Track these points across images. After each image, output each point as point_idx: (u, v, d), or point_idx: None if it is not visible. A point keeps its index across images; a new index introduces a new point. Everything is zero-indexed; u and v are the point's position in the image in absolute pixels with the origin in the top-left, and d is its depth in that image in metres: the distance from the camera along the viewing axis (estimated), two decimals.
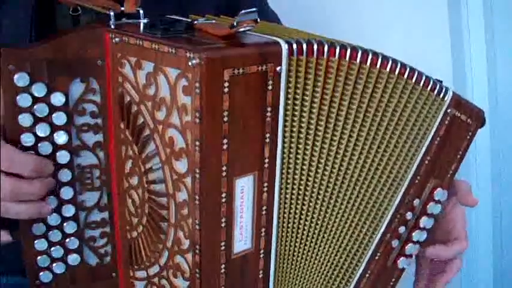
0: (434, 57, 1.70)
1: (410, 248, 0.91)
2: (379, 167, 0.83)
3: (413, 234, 0.90)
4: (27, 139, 0.75)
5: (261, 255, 0.80)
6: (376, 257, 0.90)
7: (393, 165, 0.84)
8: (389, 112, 0.80)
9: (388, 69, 0.78)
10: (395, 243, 0.89)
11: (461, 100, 0.86)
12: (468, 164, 1.78)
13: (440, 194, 0.89)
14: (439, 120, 0.84)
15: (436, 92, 0.82)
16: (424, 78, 0.81)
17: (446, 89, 0.84)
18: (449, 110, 0.84)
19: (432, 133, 0.85)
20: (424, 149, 0.85)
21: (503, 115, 1.81)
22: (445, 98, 0.83)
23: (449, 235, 0.93)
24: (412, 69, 0.79)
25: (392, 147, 0.82)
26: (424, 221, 0.90)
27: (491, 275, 1.88)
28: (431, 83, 0.81)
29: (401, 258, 0.91)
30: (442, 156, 0.87)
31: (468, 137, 0.88)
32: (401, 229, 0.89)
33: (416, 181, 0.87)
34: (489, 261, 1.87)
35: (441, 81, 0.85)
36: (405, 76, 0.79)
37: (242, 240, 0.76)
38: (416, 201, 0.88)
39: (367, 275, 0.90)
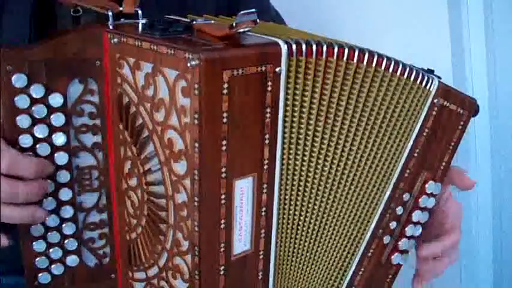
0: (434, 56, 1.69)
1: (404, 243, 0.90)
2: (370, 163, 0.83)
3: (406, 229, 0.89)
4: (25, 140, 0.75)
5: (261, 256, 0.79)
6: (369, 254, 0.89)
7: (383, 161, 0.83)
8: (382, 109, 0.80)
9: (383, 67, 0.78)
10: (387, 239, 0.89)
11: (451, 90, 0.84)
12: (468, 164, 1.78)
13: (432, 186, 0.87)
14: (425, 111, 0.83)
15: (419, 82, 0.81)
16: (408, 69, 0.80)
17: (432, 79, 0.82)
18: (435, 100, 0.83)
19: (419, 125, 0.83)
20: (411, 142, 0.84)
21: (503, 114, 1.81)
22: (431, 88, 0.82)
23: (442, 229, 0.91)
24: (397, 62, 0.79)
25: (379, 142, 0.82)
26: (417, 215, 0.88)
27: (491, 275, 1.88)
28: (414, 73, 0.80)
29: (396, 254, 0.91)
30: (433, 148, 0.86)
31: (460, 127, 0.86)
32: (393, 224, 0.88)
33: (406, 175, 0.86)
34: (489, 261, 1.87)
35: (432, 71, 0.84)
36: (397, 73, 0.79)
37: (241, 242, 0.76)
38: (406, 196, 0.87)
39: (360, 272, 0.90)
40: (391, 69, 0.78)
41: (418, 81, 0.81)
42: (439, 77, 0.85)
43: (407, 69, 0.80)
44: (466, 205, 1.82)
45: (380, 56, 0.77)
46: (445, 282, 1.83)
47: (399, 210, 0.87)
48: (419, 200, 0.88)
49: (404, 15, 1.68)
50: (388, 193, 0.86)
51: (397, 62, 0.79)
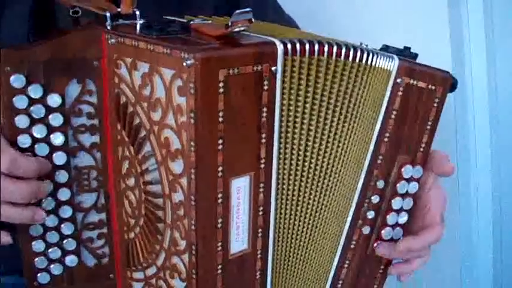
0: (434, 56, 1.69)
1: (387, 232, 0.87)
2: (348, 155, 0.82)
3: (387, 217, 0.86)
4: (23, 140, 0.75)
5: (258, 256, 0.80)
6: (352, 246, 0.87)
7: (356, 151, 0.82)
8: (359, 100, 0.79)
9: (356, 59, 0.77)
10: (366, 229, 0.86)
11: (415, 67, 0.80)
12: (468, 163, 1.78)
13: (409, 170, 0.83)
14: (389, 92, 0.80)
15: (377, 64, 0.78)
16: (365, 52, 0.77)
17: (391, 58, 0.79)
18: (399, 80, 0.79)
19: (384, 108, 0.80)
20: (378, 127, 0.81)
21: (503, 115, 1.80)
22: (390, 68, 0.79)
23: (423, 221, 0.88)
24: (355, 48, 0.77)
25: (353, 132, 0.81)
26: (398, 202, 0.85)
27: (491, 275, 1.88)
28: (374, 56, 0.78)
29: (380, 244, 0.88)
30: (407, 131, 0.82)
31: (436, 104, 0.82)
32: (370, 214, 0.85)
33: (380, 161, 0.83)
34: (489, 261, 1.87)
35: (408, 48, 0.82)
36: (361, 61, 0.78)
37: (239, 241, 0.76)
38: (380, 183, 0.83)
39: (345, 265, 0.88)
40: (363, 60, 0.77)
41: (375, 64, 0.78)
42: (414, 55, 0.82)
43: (365, 53, 0.78)
44: (466, 205, 1.82)
45: (353, 48, 0.77)
46: (445, 283, 1.83)
47: (375, 198, 0.84)
48: (397, 186, 0.84)
49: (405, 15, 1.68)
50: (361, 182, 0.83)
51: (355, 48, 0.77)
